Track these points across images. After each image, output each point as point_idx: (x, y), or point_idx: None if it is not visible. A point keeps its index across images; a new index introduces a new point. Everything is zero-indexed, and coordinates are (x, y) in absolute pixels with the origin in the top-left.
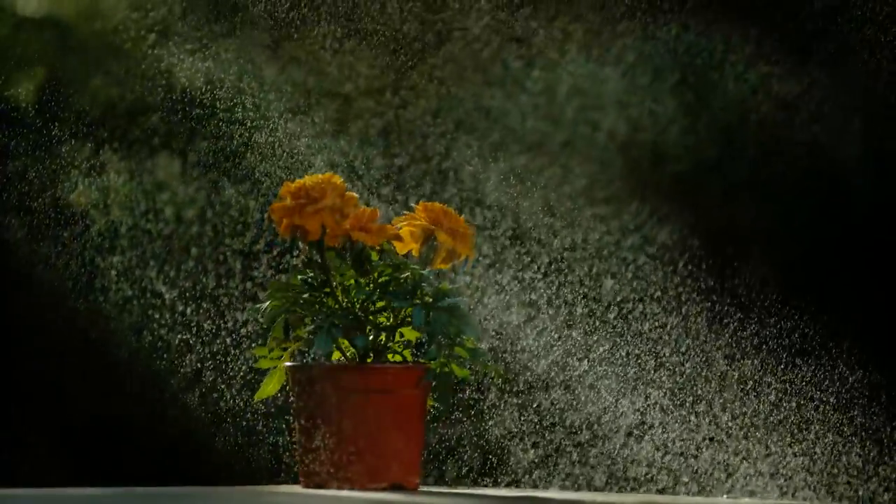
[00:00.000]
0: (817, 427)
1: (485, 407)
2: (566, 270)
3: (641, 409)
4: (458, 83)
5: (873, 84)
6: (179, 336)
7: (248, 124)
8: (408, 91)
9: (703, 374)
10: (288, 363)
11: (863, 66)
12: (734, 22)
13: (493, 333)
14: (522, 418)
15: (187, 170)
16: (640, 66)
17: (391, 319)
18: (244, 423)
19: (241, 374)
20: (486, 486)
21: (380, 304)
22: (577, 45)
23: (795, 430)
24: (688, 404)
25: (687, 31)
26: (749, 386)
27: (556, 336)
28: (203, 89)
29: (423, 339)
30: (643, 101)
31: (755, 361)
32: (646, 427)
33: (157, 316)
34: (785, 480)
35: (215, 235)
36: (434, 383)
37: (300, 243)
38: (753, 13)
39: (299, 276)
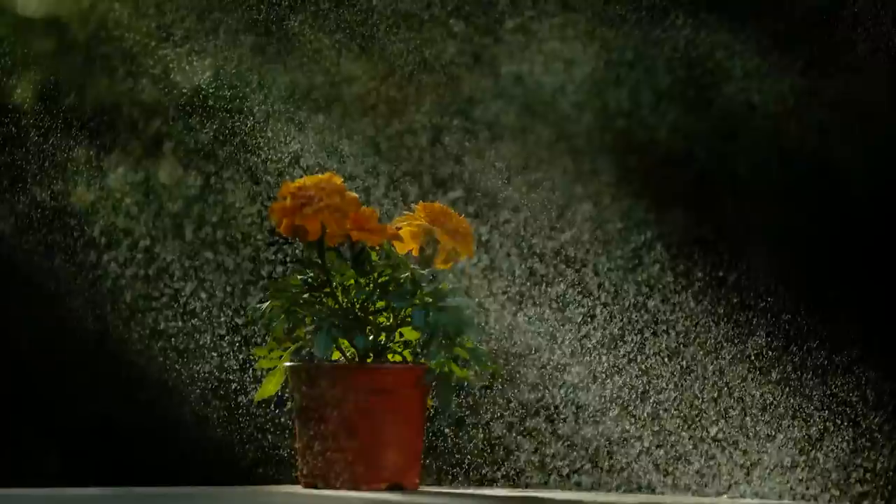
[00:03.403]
0: (816, 425)
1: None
2: (566, 269)
3: (639, 410)
4: (460, 82)
5: (872, 83)
6: (180, 336)
7: (249, 124)
8: (408, 90)
9: (702, 374)
10: (288, 363)
11: (862, 65)
12: (732, 22)
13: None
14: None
15: (188, 171)
16: (640, 65)
17: (391, 319)
18: (244, 423)
19: (241, 374)
20: (485, 486)
21: (380, 304)
22: (577, 43)
23: (794, 429)
24: (687, 404)
25: (685, 31)
26: (748, 385)
27: (555, 336)
28: (203, 90)
29: (423, 340)
30: (644, 101)
31: (754, 361)
32: (644, 427)
33: (157, 316)
34: (784, 479)
35: (216, 235)
36: (434, 383)
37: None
38: (752, 13)
39: (299, 276)
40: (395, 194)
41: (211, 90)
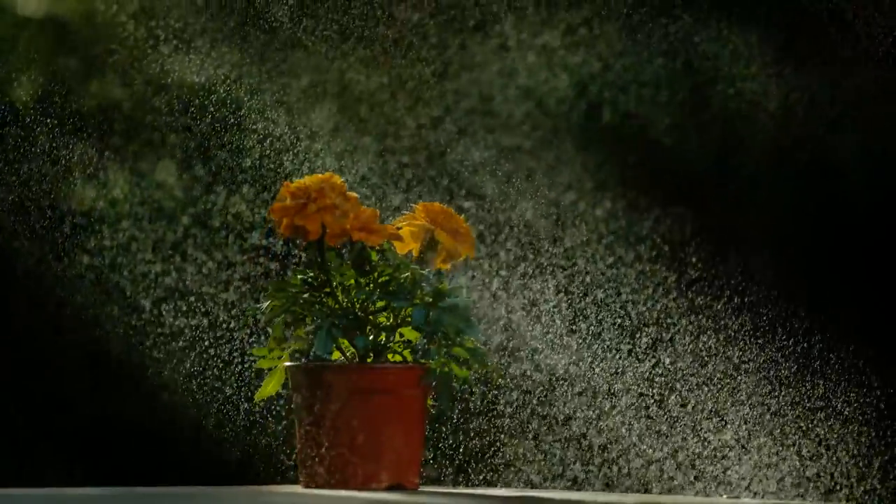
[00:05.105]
0: (815, 426)
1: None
2: (564, 269)
3: (643, 411)
4: (461, 81)
5: (871, 84)
6: (180, 336)
7: (249, 125)
8: (407, 89)
9: (703, 375)
10: (288, 363)
11: (860, 67)
12: (731, 23)
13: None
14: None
15: (188, 171)
16: (638, 65)
17: (391, 319)
18: (244, 423)
19: (242, 374)
20: (485, 486)
21: (380, 304)
22: (578, 42)
23: (793, 429)
24: (687, 405)
25: (682, 31)
26: (748, 387)
27: (555, 337)
28: (204, 90)
29: (423, 340)
30: (643, 101)
31: (754, 362)
32: (644, 427)
33: (157, 315)
34: (783, 479)
35: (216, 236)
36: (434, 383)
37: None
38: (752, 14)
39: (299, 276)
40: (395, 195)
41: (214, 91)
